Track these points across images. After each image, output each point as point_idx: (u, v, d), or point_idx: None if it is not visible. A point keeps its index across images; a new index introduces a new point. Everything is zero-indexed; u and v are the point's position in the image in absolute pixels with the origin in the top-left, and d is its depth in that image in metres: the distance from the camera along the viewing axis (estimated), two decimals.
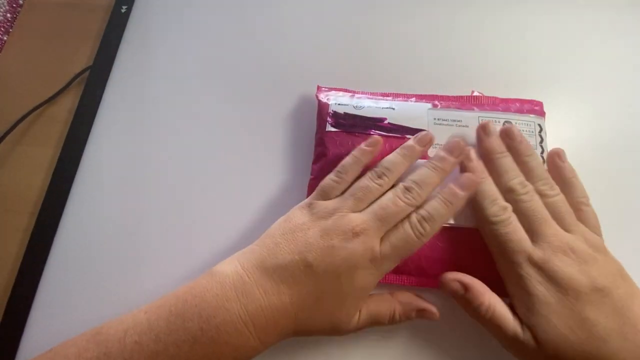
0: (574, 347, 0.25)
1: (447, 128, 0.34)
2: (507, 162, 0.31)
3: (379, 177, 0.30)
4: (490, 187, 0.30)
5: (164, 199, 0.37)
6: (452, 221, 0.31)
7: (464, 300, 0.28)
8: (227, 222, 0.36)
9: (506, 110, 0.35)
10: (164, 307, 0.26)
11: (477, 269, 0.31)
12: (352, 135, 0.34)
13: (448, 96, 0.37)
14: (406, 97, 0.37)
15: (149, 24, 0.45)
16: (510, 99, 0.36)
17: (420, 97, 0.37)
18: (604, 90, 0.41)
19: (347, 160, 0.31)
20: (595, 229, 0.30)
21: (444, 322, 0.31)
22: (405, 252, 0.28)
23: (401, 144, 0.34)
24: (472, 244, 0.31)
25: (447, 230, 0.31)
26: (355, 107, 0.36)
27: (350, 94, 0.38)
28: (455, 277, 0.29)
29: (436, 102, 0.36)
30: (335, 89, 0.39)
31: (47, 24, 0.47)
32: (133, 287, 0.34)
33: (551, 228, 0.28)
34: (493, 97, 0.37)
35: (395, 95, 0.37)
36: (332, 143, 0.34)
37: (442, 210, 0.28)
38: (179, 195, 0.37)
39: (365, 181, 0.30)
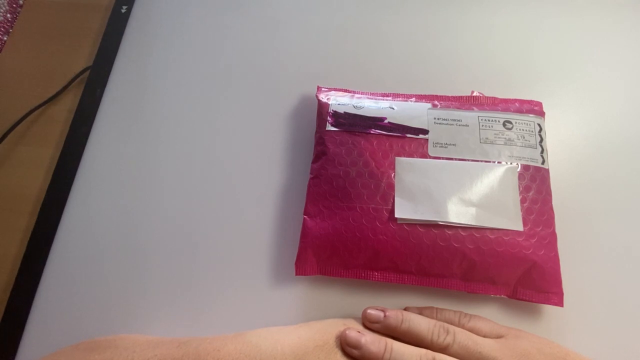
0: None
1: (447, 127, 0.34)
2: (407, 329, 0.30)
3: None
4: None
5: (163, 198, 0.37)
6: (455, 220, 0.31)
7: None
8: (227, 221, 0.36)
9: (506, 110, 0.35)
10: None
11: (479, 269, 0.31)
12: (352, 134, 0.34)
13: (448, 96, 0.37)
14: (406, 97, 0.37)
15: (149, 24, 0.46)
16: (509, 99, 0.37)
17: (420, 97, 0.37)
18: (604, 90, 0.41)
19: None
20: (488, 328, 0.30)
21: None
22: None
23: (401, 144, 0.34)
24: (474, 244, 0.31)
25: (448, 229, 0.31)
26: (355, 107, 0.36)
27: (350, 94, 0.38)
28: None
29: (436, 102, 0.36)
30: (335, 89, 0.39)
31: (47, 24, 0.47)
32: (133, 287, 0.34)
33: None
34: (493, 97, 0.37)
35: (395, 96, 0.37)
36: (332, 142, 0.34)
37: None
38: (178, 194, 0.37)
39: None
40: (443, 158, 0.33)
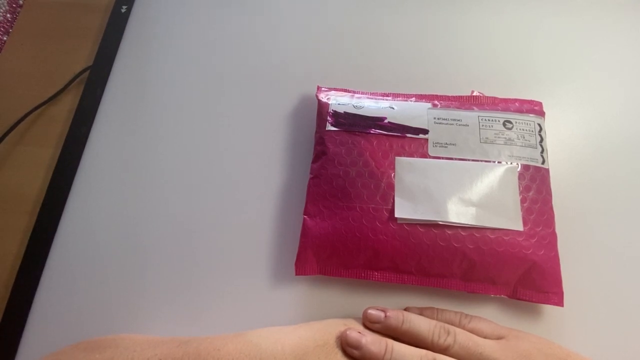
0: None
1: (447, 127, 0.34)
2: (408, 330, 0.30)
3: None
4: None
5: (163, 198, 0.37)
6: (455, 219, 0.31)
7: None
8: (227, 221, 0.36)
9: (506, 110, 0.35)
10: None
11: (479, 269, 0.31)
12: (352, 134, 0.34)
13: (448, 96, 0.37)
14: (406, 97, 0.37)
15: (149, 24, 0.46)
16: (510, 99, 0.37)
17: (420, 97, 0.37)
18: (604, 90, 0.41)
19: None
20: (488, 328, 0.30)
21: None
22: None
23: (401, 143, 0.34)
24: (474, 244, 0.31)
25: (448, 229, 0.31)
26: (355, 107, 0.36)
27: (350, 93, 0.38)
28: None
29: (436, 102, 0.36)
30: (335, 89, 0.39)
31: (47, 24, 0.47)
32: (133, 287, 0.34)
33: None
34: (493, 97, 0.37)
35: (395, 95, 0.37)
36: (332, 142, 0.34)
37: None
38: (178, 194, 0.37)
39: None
40: (443, 158, 0.33)
